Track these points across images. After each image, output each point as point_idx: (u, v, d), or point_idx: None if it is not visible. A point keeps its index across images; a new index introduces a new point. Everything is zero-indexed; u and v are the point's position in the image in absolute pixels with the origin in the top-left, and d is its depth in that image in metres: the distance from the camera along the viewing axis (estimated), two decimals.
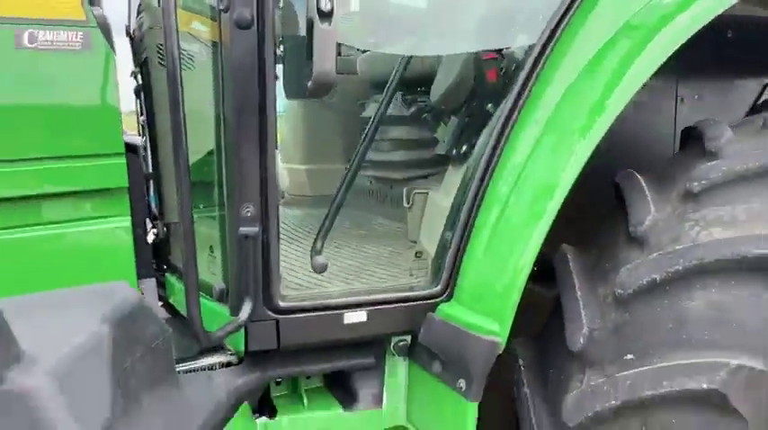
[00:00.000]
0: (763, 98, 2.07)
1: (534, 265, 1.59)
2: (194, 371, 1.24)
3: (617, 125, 1.44)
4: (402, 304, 1.37)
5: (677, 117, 1.85)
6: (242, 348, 1.21)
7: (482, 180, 1.38)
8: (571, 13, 1.37)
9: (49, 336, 0.82)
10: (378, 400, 1.47)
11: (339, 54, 1.86)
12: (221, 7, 1.09)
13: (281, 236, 1.34)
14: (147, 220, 1.59)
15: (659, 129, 1.80)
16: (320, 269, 1.31)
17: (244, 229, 1.12)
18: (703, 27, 1.37)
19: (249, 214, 1.14)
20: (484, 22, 1.69)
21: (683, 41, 1.26)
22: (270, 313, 1.20)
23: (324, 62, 1.06)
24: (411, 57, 1.73)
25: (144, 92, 1.58)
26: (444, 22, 1.92)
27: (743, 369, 1.03)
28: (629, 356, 1.15)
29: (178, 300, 1.47)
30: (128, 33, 1.69)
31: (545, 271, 1.42)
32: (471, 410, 1.21)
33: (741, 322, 1.08)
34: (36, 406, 0.74)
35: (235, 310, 1.16)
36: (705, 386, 1.02)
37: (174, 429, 1.01)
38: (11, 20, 1.28)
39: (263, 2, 1.12)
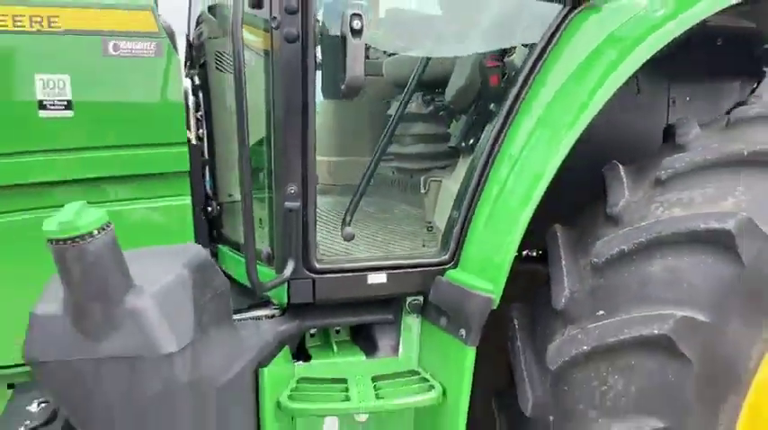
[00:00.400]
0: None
1: (539, 250, 1.77)
2: (245, 320, 1.48)
3: (615, 124, 1.68)
4: (416, 269, 1.58)
5: (669, 117, 2.00)
6: (284, 301, 1.44)
7: (485, 166, 1.58)
8: (561, 29, 1.58)
9: (149, 275, 1.07)
10: (395, 349, 1.67)
11: (367, 57, 2.03)
12: (273, 25, 1.31)
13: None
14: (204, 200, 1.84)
15: (653, 128, 1.93)
16: (349, 238, 1.54)
17: (288, 204, 1.34)
18: (695, 36, 1.58)
19: (293, 192, 1.36)
20: (490, 27, 1.91)
21: (652, 55, 1.45)
22: (307, 273, 1.43)
23: (355, 70, 1.29)
24: (429, 60, 1.92)
25: (202, 91, 1.81)
26: (456, 28, 2.13)
27: (688, 319, 1.22)
28: (601, 312, 1.35)
29: (229, 267, 1.69)
30: (188, 40, 1.92)
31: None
32: (470, 354, 1.42)
33: (690, 283, 1.28)
34: (144, 320, 1.00)
35: (279, 269, 1.39)
36: (656, 332, 1.22)
37: (232, 358, 1.25)
38: (99, 32, 1.51)
39: (306, 21, 1.34)
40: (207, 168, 1.80)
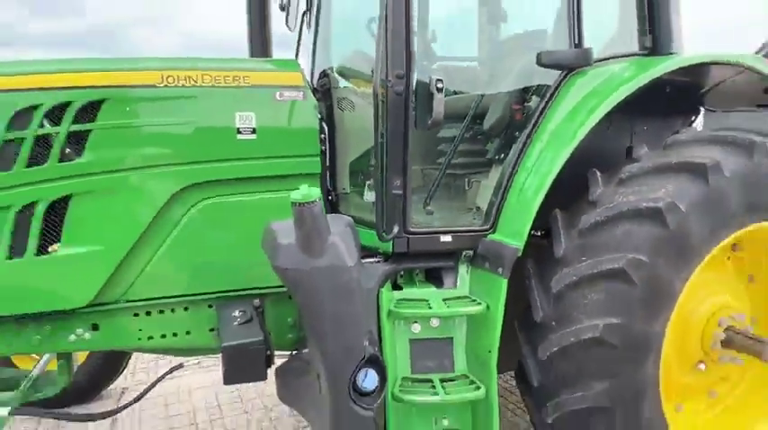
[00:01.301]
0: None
1: (542, 231, 2.43)
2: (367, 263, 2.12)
3: (595, 146, 2.24)
4: (469, 233, 2.24)
5: (631, 141, 2.58)
6: (390, 250, 2.13)
7: (512, 171, 2.25)
8: (561, 85, 2.29)
9: (336, 230, 1.79)
10: (454, 284, 2.28)
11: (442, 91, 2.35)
12: (389, 84, 1.95)
13: None
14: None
15: (619, 149, 2.53)
16: (429, 213, 2.27)
17: (395, 192, 2.03)
18: (650, 87, 2.21)
19: (398, 184, 2.04)
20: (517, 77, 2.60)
21: (618, 102, 2.11)
22: (405, 233, 2.11)
23: (439, 113, 2.02)
24: (479, 100, 2.58)
25: (326, 121, 2.46)
26: (490, 76, 2.79)
27: (636, 259, 1.88)
28: (584, 258, 2.00)
29: None
30: (312, 88, 2.61)
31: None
32: (504, 283, 2.04)
33: (637, 239, 1.93)
34: (339, 248, 1.74)
35: (388, 232, 2.07)
36: (617, 266, 1.88)
37: (361, 284, 1.86)
38: (272, 86, 2.24)
39: (408, 82, 1.99)
40: (327, 171, 2.51)
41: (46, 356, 2.62)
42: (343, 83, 2.68)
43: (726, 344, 2.27)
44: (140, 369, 4.04)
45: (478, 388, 2.04)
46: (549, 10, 2.61)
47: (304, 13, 3.21)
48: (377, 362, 1.78)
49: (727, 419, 2.53)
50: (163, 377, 2.82)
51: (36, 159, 1.98)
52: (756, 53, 3.34)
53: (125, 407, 2.60)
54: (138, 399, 2.62)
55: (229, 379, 2.06)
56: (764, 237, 2.29)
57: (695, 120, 2.87)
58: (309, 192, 1.69)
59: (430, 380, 2.08)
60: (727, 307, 2.35)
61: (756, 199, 2.12)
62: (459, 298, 2.26)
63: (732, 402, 2.57)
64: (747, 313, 2.40)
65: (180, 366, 3.01)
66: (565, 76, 2.34)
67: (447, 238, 2.24)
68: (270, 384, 3.49)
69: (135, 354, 3.56)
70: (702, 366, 2.39)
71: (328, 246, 1.74)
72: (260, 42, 2.87)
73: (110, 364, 3.33)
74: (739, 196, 2.08)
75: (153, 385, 2.73)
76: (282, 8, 3.17)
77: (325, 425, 1.88)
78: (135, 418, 3.39)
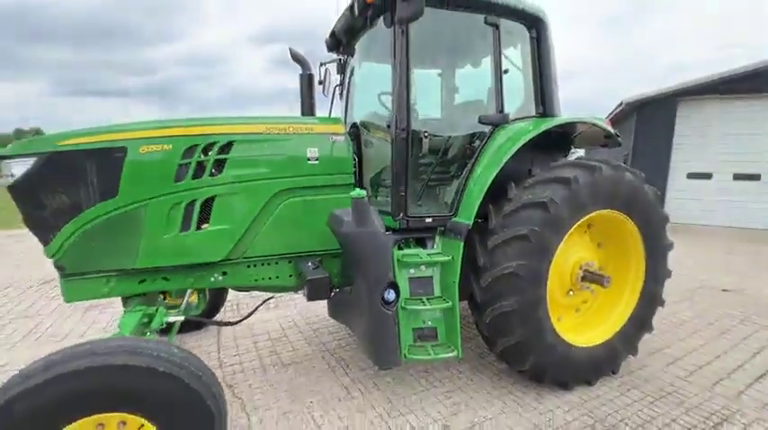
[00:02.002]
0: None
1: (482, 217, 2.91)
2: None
3: (512, 168, 2.61)
4: (441, 217, 2.66)
5: (532, 165, 2.88)
6: (398, 227, 2.57)
7: (465, 183, 2.68)
8: (493, 133, 2.77)
9: (372, 214, 2.29)
10: (433, 246, 2.64)
11: (426, 137, 2.69)
12: (397, 131, 2.43)
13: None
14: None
15: (524, 170, 2.77)
16: (419, 206, 2.70)
17: (401, 194, 2.52)
18: (541, 135, 2.64)
19: (402, 191, 2.53)
20: (470, 126, 2.93)
21: (524, 143, 2.57)
22: (406, 217, 2.58)
23: (425, 149, 2.51)
24: (448, 139, 2.97)
25: (356, 154, 2.69)
26: (454, 128, 3.20)
27: (532, 230, 2.36)
28: (505, 229, 2.46)
29: None
30: (347, 134, 3.02)
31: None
32: (461, 245, 2.47)
33: (532, 219, 2.38)
34: (376, 226, 2.19)
35: (397, 216, 2.56)
36: (522, 232, 2.36)
37: (386, 244, 2.23)
38: (327, 133, 2.52)
39: (408, 130, 2.45)
40: (357, 183, 2.91)
41: (189, 292, 3.02)
42: (365, 132, 2.94)
43: (583, 279, 2.82)
44: (228, 309, 4.34)
45: (447, 302, 2.49)
46: (483, 88, 3.02)
47: (335, 86, 3.66)
48: (395, 286, 2.20)
49: (586, 324, 3.00)
50: (257, 308, 3.17)
51: (196, 175, 2.24)
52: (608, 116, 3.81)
53: (240, 321, 2.92)
54: (241, 321, 2.95)
55: (311, 297, 2.41)
56: (603, 220, 2.76)
57: (568, 153, 3.34)
58: (361, 193, 2.17)
59: (421, 299, 2.51)
60: (584, 258, 2.84)
61: (597, 198, 2.59)
62: (436, 253, 2.62)
63: (589, 314, 3.08)
64: (596, 262, 2.94)
65: (269, 299, 3.44)
66: (494, 129, 2.83)
67: (429, 220, 2.66)
68: (310, 316, 3.91)
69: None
70: (571, 293, 2.95)
71: (370, 222, 2.18)
72: (309, 106, 3.26)
73: (214, 305, 3.73)
74: (587, 196, 2.53)
75: (251, 313, 3.07)
76: (320, 83, 3.57)
77: (365, 323, 2.34)
78: (230, 334, 3.75)
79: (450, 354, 2.42)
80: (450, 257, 2.57)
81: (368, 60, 3.35)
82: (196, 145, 2.25)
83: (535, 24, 2.91)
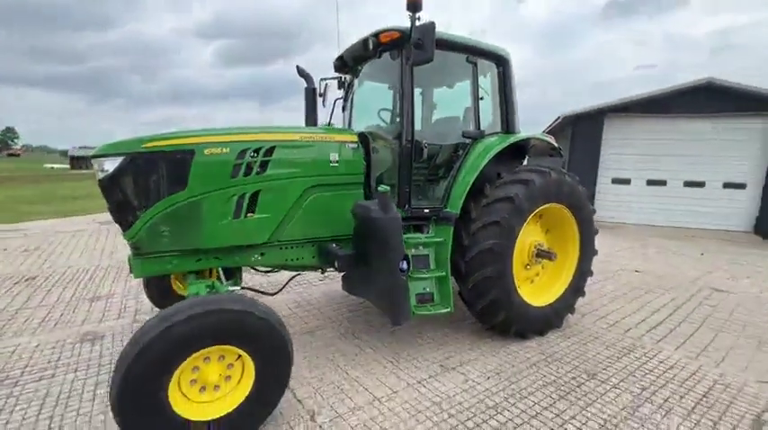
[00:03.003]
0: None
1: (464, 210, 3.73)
2: None
3: (486, 173, 3.40)
4: (436, 208, 3.39)
5: (501, 170, 3.67)
6: (403, 216, 3.25)
7: (452, 183, 3.44)
8: (472, 145, 3.60)
9: (392, 204, 3.01)
10: (429, 231, 3.34)
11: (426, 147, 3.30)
12: (402, 142, 3.15)
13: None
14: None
15: (494, 174, 3.45)
16: (419, 200, 3.45)
17: (405, 190, 3.25)
18: (506, 147, 3.50)
19: (406, 188, 3.27)
20: (456, 138, 3.70)
21: (493, 155, 3.45)
22: (409, 208, 3.30)
23: (424, 156, 3.30)
24: (439, 147, 3.63)
25: (365, 158, 3.16)
26: (442, 134, 3.93)
27: (503, 217, 3.22)
28: (483, 218, 3.27)
29: None
30: (359, 141, 3.67)
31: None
32: (451, 229, 3.23)
33: (503, 209, 3.23)
34: (394, 210, 2.93)
35: (403, 207, 3.27)
36: (494, 219, 3.24)
37: (399, 227, 3.06)
38: (343, 141, 3.16)
39: (413, 141, 3.17)
40: (366, 182, 3.57)
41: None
42: (372, 141, 3.33)
43: (537, 255, 3.75)
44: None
45: (442, 272, 3.28)
46: (457, 106, 3.84)
47: (336, 100, 4.30)
48: (407, 258, 2.90)
49: (539, 291, 3.91)
50: (288, 282, 3.84)
51: (246, 173, 2.68)
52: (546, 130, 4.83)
53: (276, 293, 3.59)
54: (276, 293, 3.62)
55: (342, 269, 3.02)
56: (550, 211, 3.68)
57: (524, 160, 4.23)
58: (386, 188, 2.87)
59: (421, 271, 3.25)
60: (537, 240, 3.77)
61: (547, 194, 3.48)
62: (431, 237, 3.30)
63: (540, 283, 4.01)
64: (545, 243, 3.90)
65: (296, 275, 4.00)
66: (473, 141, 3.70)
67: (426, 211, 3.42)
68: (311, 299, 4.50)
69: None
70: (528, 267, 3.88)
71: (390, 209, 2.86)
72: (312, 116, 3.75)
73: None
74: (540, 193, 3.42)
75: (283, 287, 3.69)
76: (321, 95, 4.14)
77: (383, 289, 2.97)
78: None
79: (445, 310, 3.21)
80: (442, 239, 3.35)
81: (370, 80, 4.06)
82: (247, 149, 2.71)
83: (501, 62, 3.82)
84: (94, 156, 2.57)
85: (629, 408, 2.66)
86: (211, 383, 2.19)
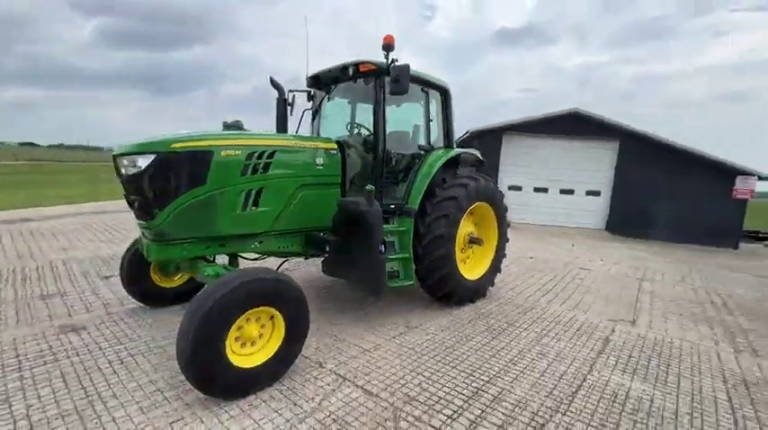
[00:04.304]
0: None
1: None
2: None
3: (435, 179, 4.52)
4: (399, 203, 4.29)
5: (446, 177, 4.95)
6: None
7: (411, 184, 4.40)
8: (426, 156, 4.64)
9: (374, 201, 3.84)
10: (394, 222, 4.22)
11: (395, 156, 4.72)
12: (372, 148, 4.10)
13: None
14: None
15: (440, 179, 4.56)
16: (387, 198, 4.38)
17: (379, 189, 4.15)
18: (448, 159, 4.67)
19: (379, 187, 4.17)
20: (412, 147, 4.78)
21: (442, 164, 4.53)
22: (382, 203, 4.17)
23: (393, 163, 4.24)
24: (401, 155, 4.63)
25: (341, 163, 3.95)
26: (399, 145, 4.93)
27: (451, 211, 4.27)
28: (436, 212, 4.30)
29: None
30: (338, 146, 4.42)
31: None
32: (412, 220, 4.18)
33: (449, 206, 4.34)
34: (375, 204, 3.79)
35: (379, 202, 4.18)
36: (446, 213, 4.27)
37: (380, 218, 3.93)
38: (326, 148, 3.90)
39: (385, 147, 4.14)
40: (342, 181, 4.31)
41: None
42: (346, 148, 3.99)
43: (469, 242, 4.96)
44: None
45: (405, 255, 4.22)
46: (405, 123, 4.88)
47: (305, 111, 4.95)
48: (385, 243, 3.84)
49: (470, 269, 5.06)
50: (280, 265, 4.37)
51: (253, 172, 3.18)
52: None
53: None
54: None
55: (331, 253, 3.79)
56: (479, 208, 4.87)
57: (457, 169, 5.47)
58: (371, 187, 3.71)
59: (389, 254, 4.14)
60: (470, 230, 4.98)
61: (478, 195, 4.64)
62: (396, 226, 4.14)
63: (471, 263, 5.23)
64: (475, 232, 5.12)
65: (284, 262, 4.55)
66: (426, 153, 4.73)
67: (392, 206, 4.33)
68: (314, 273, 5.04)
69: None
70: (464, 250, 5.04)
71: (374, 203, 3.64)
72: (283, 124, 4.33)
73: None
74: (474, 194, 4.55)
75: (279, 266, 4.17)
76: (289, 105, 4.74)
77: (365, 269, 3.76)
78: None
79: (408, 283, 4.16)
80: (405, 228, 4.29)
81: (340, 98, 4.85)
82: (254, 152, 3.23)
83: (443, 92, 4.96)
84: (121, 154, 2.93)
85: (536, 340, 3.97)
86: (253, 338, 2.78)
